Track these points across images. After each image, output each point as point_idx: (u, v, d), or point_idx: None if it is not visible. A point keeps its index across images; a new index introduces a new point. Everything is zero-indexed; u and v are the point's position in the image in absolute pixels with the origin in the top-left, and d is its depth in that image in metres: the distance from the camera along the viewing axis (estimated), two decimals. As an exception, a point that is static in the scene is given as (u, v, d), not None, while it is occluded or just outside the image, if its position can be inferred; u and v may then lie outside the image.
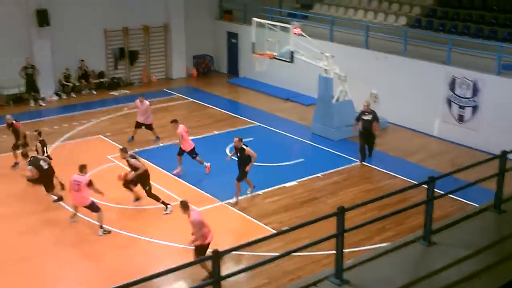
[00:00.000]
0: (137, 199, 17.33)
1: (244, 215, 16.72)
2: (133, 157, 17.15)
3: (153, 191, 17.04)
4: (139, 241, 15.50)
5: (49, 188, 17.36)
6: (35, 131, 18.93)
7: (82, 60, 29.45)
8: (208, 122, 24.88)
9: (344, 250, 8.71)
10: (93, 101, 28.15)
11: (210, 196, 17.80)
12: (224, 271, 7.67)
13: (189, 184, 18.68)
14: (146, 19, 31.14)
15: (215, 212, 16.90)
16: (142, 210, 17.10)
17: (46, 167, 17.19)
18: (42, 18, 27.78)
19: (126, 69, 31.30)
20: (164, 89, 30.08)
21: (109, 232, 15.86)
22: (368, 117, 20.19)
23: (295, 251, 9.34)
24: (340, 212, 8.60)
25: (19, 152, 19.95)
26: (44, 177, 17.17)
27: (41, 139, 18.51)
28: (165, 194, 17.70)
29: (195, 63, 33.00)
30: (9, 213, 17.08)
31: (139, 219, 16.73)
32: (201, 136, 23.05)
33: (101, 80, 30.40)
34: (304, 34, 23.02)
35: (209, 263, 12.72)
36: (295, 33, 22.67)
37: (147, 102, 22.52)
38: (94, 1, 29.51)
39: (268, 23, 23.71)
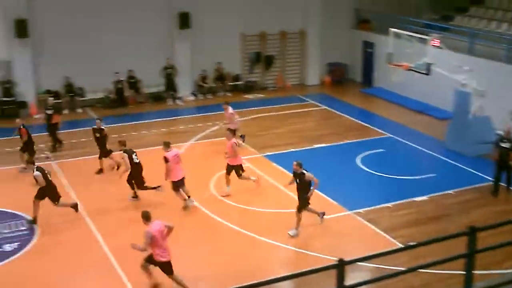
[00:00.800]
0: (134, 196, 18.03)
1: (371, 226, 16.52)
2: (127, 153, 17.68)
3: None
4: (258, 241, 15.68)
5: (55, 199, 16.76)
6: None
7: (219, 63, 30.27)
8: (339, 130, 24.80)
9: (473, 272, 8.47)
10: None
11: (339, 204, 17.73)
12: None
13: (318, 191, 18.63)
14: (283, 24, 31.54)
15: (342, 221, 16.84)
16: (267, 212, 17.28)
17: (50, 178, 16.90)
18: (184, 21, 28.87)
19: (261, 73, 31.84)
20: (298, 95, 30.31)
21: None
22: (506, 145, 18.52)
23: (421, 267, 9.20)
24: (472, 232, 8.37)
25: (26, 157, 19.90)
26: (50, 188, 16.72)
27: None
28: (293, 200, 17.78)
29: (330, 71, 33.00)
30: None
31: (263, 220, 16.90)
32: (331, 144, 23.05)
33: (237, 83, 31.09)
34: (442, 46, 22.47)
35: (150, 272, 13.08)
36: (433, 45, 22.20)
37: (230, 110, 22.33)
38: (233, 6, 30.28)
39: (406, 34, 23.34)
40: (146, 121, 26.22)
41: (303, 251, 15.19)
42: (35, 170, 16.52)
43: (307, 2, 31.62)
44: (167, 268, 12.96)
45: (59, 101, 27.47)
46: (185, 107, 28.58)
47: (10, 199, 17.99)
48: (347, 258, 7.87)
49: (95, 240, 15.83)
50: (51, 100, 23.53)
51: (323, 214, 16.53)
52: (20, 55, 26.96)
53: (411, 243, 10.09)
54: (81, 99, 28.24)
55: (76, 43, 27.73)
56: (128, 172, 17.80)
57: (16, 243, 15.61)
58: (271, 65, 31.95)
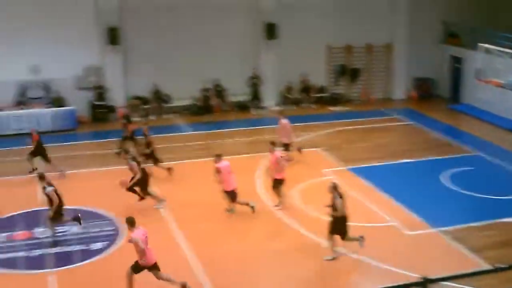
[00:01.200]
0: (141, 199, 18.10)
1: (457, 245, 16.10)
2: (134, 161, 18.11)
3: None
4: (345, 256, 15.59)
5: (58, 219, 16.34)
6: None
7: (305, 74, 30.33)
8: (425, 146, 24.32)
9: None
10: (312, 114, 28.85)
11: (424, 221, 17.37)
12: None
13: (402, 206, 18.35)
14: (369, 37, 31.28)
15: (426, 238, 16.51)
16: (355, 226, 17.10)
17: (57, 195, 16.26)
18: (271, 31, 29.11)
19: (346, 86, 31.69)
20: (383, 109, 29.98)
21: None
22: None
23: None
24: None
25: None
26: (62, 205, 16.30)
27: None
28: (376, 215, 17.62)
29: (416, 86, 32.46)
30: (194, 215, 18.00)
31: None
32: (417, 159, 22.63)
33: (322, 95, 31.04)
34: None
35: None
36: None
37: (283, 121, 22.18)
38: (320, 18, 30.24)
39: (496, 49, 22.74)
40: (230, 129, 26.53)
41: (386, 266, 14.94)
42: (47, 186, 16.08)
43: (394, 15, 31.31)
44: (153, 269, 13.40)
45: (147, 106, 28.32)
46: (269, 117, 28.75)
47: (98, 200, 18.55)
48: (431, 276, 7.73)
49: (176, 243, 16.11)
50: (124, 110, 24.29)
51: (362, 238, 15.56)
52: (111, 62, 27.90)
53: (500, 265, 9.76)
54: (168, 105, 28.87)
55: (164, 51, 28.45)
56: (135, 180, 17.97)
57: (102, 243, 16.08)
58: (357, 78, 31.76)
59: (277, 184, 18.18)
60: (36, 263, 15.19)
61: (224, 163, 17.61)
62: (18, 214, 17.88)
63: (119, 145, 22.65)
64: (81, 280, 14.37)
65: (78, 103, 27.34)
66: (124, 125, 23.04)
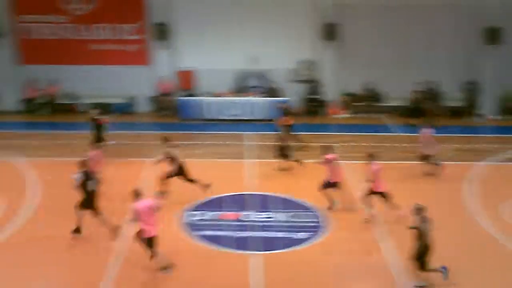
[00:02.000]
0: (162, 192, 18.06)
1: None
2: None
3: None
4: None
5: (95, 211, 15.70)
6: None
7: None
8: None
9: None
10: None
11: None
12: None
13: None
14: None
15: None
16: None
17: (92, 188, 15.58)
18: (493, 36, 27.96)
19: None
20: None
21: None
22: None
23: None
24: None
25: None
26: (87, 198, 15.60)
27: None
28: None
29: None
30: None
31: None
32: None
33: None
34: None
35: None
36: None
37: (425, 132, 20.69)
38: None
39: None
40: (441, 134, 25.65)
41: None
42: (78, 173, 15.53)
43: None
44: (151, 242, 13.76)
45: (359, 103, 28.45)
46: (485, 125, 27.49)
47: (304, 191, 18.84)
48: None
49: (377, 240, 15.87)
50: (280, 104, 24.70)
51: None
52: (326, 57, 28.55)
53: None
54: (379, 104, 28.71)
55: (379, 50, 28.54)
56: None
57: (307, 233, 16.29)
58: None
59: (372, 193, 17.04)
60: (241, 243, 15.73)
61: (332, 155, 17.54)
62: (228, 195, 18.67)
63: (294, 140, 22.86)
64: (281, 267, 14.63)
65: (292, 95, 28.12)
66: (284, 119, 23.08)
